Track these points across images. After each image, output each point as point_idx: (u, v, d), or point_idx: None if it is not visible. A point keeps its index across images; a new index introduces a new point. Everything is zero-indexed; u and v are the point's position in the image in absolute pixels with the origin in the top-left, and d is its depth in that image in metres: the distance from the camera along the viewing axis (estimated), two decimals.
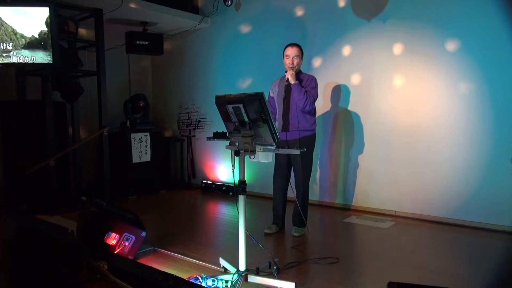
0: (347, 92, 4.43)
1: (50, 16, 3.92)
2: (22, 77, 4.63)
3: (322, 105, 4.56)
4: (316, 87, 3.46)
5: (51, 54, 3.92)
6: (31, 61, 3.92)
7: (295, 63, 3.40)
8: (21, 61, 3.89)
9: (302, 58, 3.49)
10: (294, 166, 3.50)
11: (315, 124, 3.52)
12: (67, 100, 4.94)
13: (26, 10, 3.84)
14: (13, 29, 3.78)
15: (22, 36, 3.81)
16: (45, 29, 3.86)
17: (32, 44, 3.86)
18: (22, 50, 3.85)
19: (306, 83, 3.42)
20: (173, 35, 6.10)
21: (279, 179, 3.59)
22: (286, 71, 3.44)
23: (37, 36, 3.85)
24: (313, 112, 3.49)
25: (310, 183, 3.60)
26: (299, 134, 3.39)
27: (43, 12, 3.88)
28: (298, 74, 3.46)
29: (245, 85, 5.27)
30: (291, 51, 3.41)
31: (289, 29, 4.81)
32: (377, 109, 4.23)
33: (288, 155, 3.48)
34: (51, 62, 3.95)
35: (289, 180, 3.56)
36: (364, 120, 4.33)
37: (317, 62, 4.63)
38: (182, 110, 6.10)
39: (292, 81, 3.35)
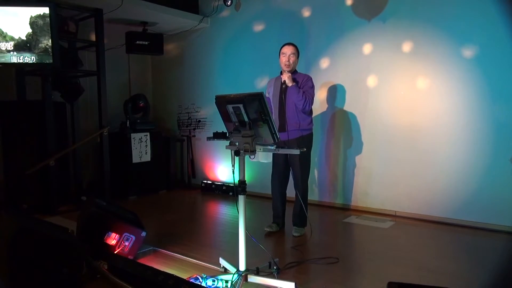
0: (346, 92, 4.42)
1: (50, 16, 3.91)
2: (22, 77, 4.63)
3: (319, 105, 4.55)
4: (313, 86, 3.45)
5: (36, 55, 3.90)
6: (31, 61, 3.92)
7: (291, 61, 3.39)
8: (20, 61, 3.88)
9: (298, 58, 3.49)
10: (292, 165, 3.49)
11: (312, 123, 3.51)
12: (67, 100, 4.94)
13: (15, 11, 3.82)
14: (2, 32, 3.76)
15: (12, 38, 3.81)
16: (30, 30, 3.85)
17: (19, 46, 3.85)
18: (9, 52, 3.84)
19: (303, 83, 3.41)
20: (173, 35, 6.10)
21: (278, 179, 3.58)
22: (281, 72, 3.44)
23: (24, 38, 3.84)
24: (309, 111, 3.48)
25: (309, 183, 3.59)
26: (297, 133, 3.39)
27: (28, 13, 3.85)
28: (294, 74, 3.45)
29: (245, 85, 5.26)
30: (288, 49, 3.40)
31: (289, 29, 4.81)
32: (377, 109, 4.23)
33: (286, 154, 3.48)
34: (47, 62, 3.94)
35: (287, 180, 3.56)
36: (364, 120, 4.33)
37: (315, 62, 4.62)
38: (182, 110, 6.10)
39: (289, 83, 3.34)
